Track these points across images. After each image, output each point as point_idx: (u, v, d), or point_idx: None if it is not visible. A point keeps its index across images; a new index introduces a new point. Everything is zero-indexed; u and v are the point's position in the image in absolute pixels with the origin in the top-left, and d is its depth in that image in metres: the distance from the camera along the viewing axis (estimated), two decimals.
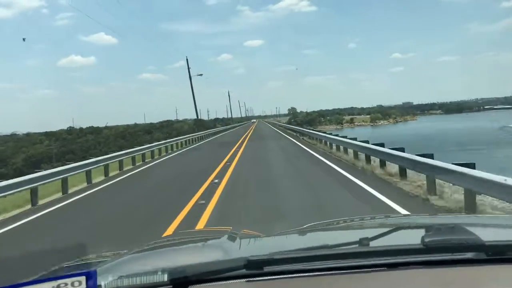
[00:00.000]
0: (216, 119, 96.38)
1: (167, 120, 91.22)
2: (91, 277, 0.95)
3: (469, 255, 1.14)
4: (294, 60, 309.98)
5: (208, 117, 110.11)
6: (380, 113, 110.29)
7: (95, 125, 79.80)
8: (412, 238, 1.23)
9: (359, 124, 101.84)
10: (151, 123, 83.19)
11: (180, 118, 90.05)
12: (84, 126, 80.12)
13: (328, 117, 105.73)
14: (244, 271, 1.09)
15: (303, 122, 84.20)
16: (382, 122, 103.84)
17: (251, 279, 1.09)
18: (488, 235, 1.21)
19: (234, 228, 1.84)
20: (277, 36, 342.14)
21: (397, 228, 1.59)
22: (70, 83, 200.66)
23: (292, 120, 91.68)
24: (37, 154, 60.06)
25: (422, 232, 1.26)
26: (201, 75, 59.65)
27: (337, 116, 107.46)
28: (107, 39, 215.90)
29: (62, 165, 13.35)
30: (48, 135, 70.26)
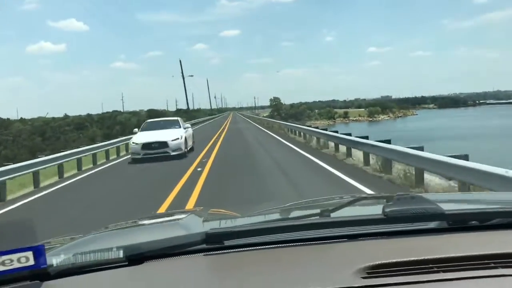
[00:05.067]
0: (179, 110, 75.74)
1: (113, 111, 70.39)
2: (39, 252, 0.83)
3: (430, 224, 1.13)
4: (271, 52, 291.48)
5: (176, 107, 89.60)
6: (379, 106, 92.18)
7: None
8: (373, 209, 1.19)
9: (354, 119, 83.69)
10: (88, 114, 62.16)
11: (146, 109, 69.18)
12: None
13: (317, 111, 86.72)
14: (203, 245, 1.05)
15: (287, 116, 65.20)
16: (382, 117, 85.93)
17: (209, 253, 1.05)
18: (448, 206, 1.18)
19: (204, 209, 1.78)
20: (254, 27, 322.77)
21: (358, 200, 1.55)
22: (38, 70, 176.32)
23: (276, 114, 72.08)
24: None
25: (383, 203, 1.17)
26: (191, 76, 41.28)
27: (328, 110, 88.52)
28: (78, 26, 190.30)
29: None
30: None
